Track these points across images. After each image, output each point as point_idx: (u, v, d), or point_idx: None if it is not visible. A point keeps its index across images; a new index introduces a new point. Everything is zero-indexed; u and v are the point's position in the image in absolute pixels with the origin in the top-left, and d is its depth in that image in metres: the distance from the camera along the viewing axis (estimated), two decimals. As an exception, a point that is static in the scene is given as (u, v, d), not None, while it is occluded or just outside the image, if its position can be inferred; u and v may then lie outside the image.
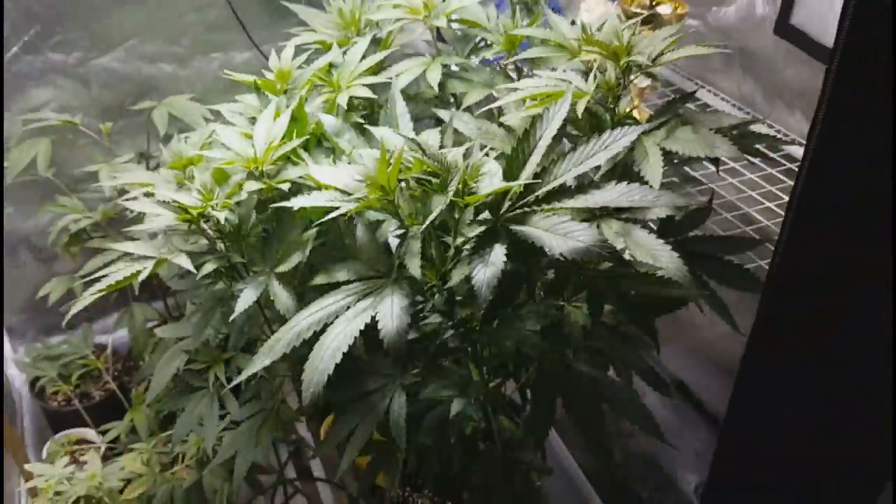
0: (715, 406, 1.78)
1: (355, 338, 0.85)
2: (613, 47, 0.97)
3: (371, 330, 0.91)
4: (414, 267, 0.88)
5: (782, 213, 1.28)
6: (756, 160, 1.36)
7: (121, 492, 1.13)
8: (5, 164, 1.41)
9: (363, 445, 0.95)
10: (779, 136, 1.41)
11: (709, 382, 1.78)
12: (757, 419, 1.03)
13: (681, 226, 1.09)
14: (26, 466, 1.15)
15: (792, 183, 1.22)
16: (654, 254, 0.91)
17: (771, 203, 1.29)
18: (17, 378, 1.70)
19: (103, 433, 1.38)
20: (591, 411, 0.95)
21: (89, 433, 1.57)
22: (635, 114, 1.42)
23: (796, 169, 1.31)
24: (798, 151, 1.35)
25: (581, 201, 0.87)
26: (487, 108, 1.07)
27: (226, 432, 1.09)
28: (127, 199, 1.03)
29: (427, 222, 0.85)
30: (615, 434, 1.77)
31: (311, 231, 0.96)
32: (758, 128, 1.06)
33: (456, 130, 1.08)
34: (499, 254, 0.84)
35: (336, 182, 0.89)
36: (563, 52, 1.09)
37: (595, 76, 0.99)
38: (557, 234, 0.82)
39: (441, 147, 1.03)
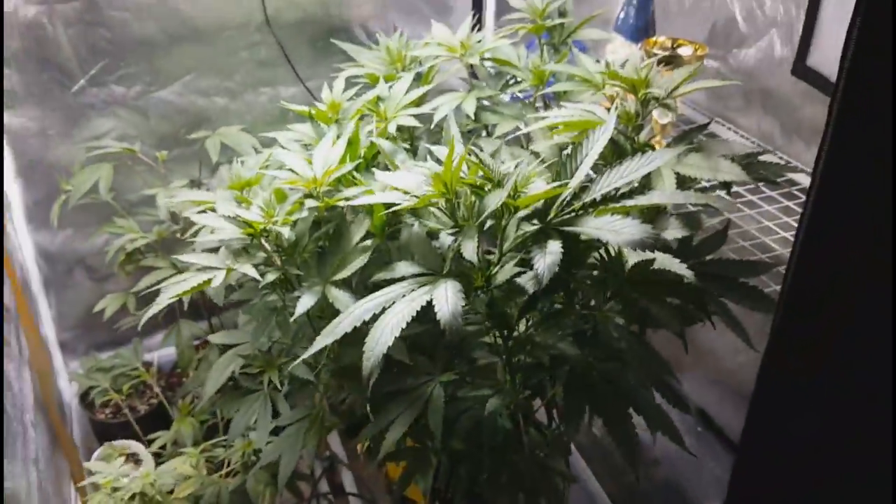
0: (736, 434, 1.82)
1: (402, 329, 0.90)
2: (633, 80, 1.06)
3: (416, 336, 0.98)
4: (470, 253, 0.93)
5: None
6: (773, 193, 1.44)
7: (170, 492, 1.20)
8: (69, 188, 1.52)
9: (402, 435, 1.01)
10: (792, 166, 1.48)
11: (730, 411, 1.82)
12: (773, 441, 1.08)
13: (698, 250, 1.16)
14: (86, 464, 1.23)
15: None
16: (671, 265, 0.98)
17: (786, 233, 1.36)
18: (66, 390, 1.79)
19: (151, 441, 1.46)
20: (619, 416, 1.02)
21: (133, 444, 1.65)
22: (656, 147, 1.51)
23: (812, 201, 1.38)
24: (813, 184, 1.42)
25: (629, 203, 0.93)
26: (516, 134, 1.16)
27: (271, 437, 1.16)
28: (193, 214, 1.12)
29: (483, 216, 0.92)
30: (639, 461, 1.81)
31: (366, 243, 1.05)
32: (770, 158, 1.14)
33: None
34: (555, 245, 0.90)
35: (399, 184, 0.97)
36: (588, 86, 1.18)
37: (617, 108, 1.08)
38: (609, 230, 0.89)
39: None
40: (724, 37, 1.71)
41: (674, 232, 1.00)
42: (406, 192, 0.93)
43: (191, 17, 1.59)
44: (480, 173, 0.94)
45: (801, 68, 1.51)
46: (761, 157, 1.10)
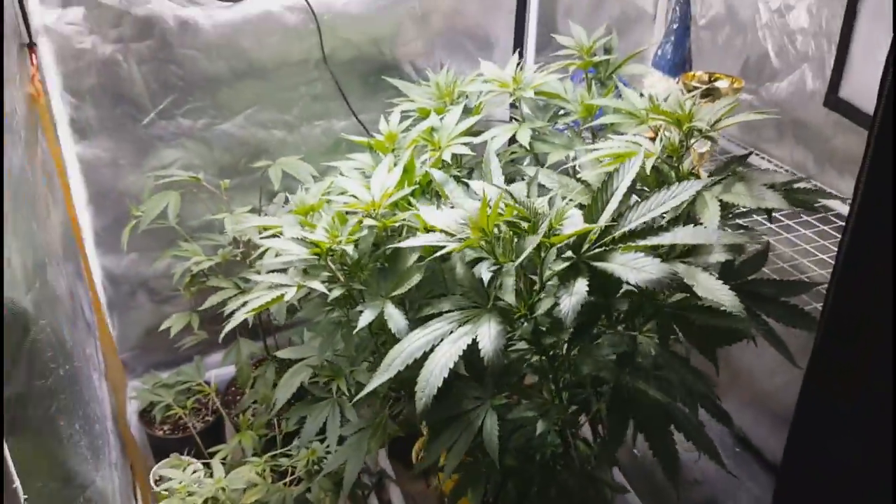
0: (774, 455, 1.85)
1: (455, 363, 0.99)
2: (677, 115, 1.14)
3: (467, 359, 1.05)
4: (509, 296, 1.04)
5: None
6: (810, 218, 1.50)
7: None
8: (139, 214, 1.62)
9: (460, 458, 1.08)
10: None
11: (767, 431, 1.85)
12: (814, 462, 1.10)
13: (740, 271, 1.22)
14: (158, 470, 1.30)
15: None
16: (714, 291, 1.04)
17: (823, 255, 1.42)
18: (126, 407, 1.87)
19: (212, 454, 1.53)
20: (659, 431, 1.07)
21: (189, 459, 1.73)
22: (700, 175, 1.58)
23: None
24: (847, 210, 1.48)
25: (653, 241, 1.01)
26: (565, 166, 1.24)
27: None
28: (261, 237, 1.22)
29: (521, 258, 1.01)
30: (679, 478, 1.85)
31: (420, 264, 1.13)
32: (806, 185, 1.20)
33: (540, 184, 1.25)
34: (581, 285, 0.98)
35: (441, 224, 1.05)
36: (633, 119, 1.26)
37: (661, 139, 1.16)
38: (632, 267, 0.96)
39: (527, 197, 1.20)
40: (757, 71, 1.78)
41: (717, 256, 1.07)
42: (448, 234, 1.01)
43: (255, 56, 1.71)
44: (517, 212, 1.01)
45: (833, 100, 1.58)
46: (798, 185, 1.17)
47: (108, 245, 1.76)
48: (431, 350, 1.02)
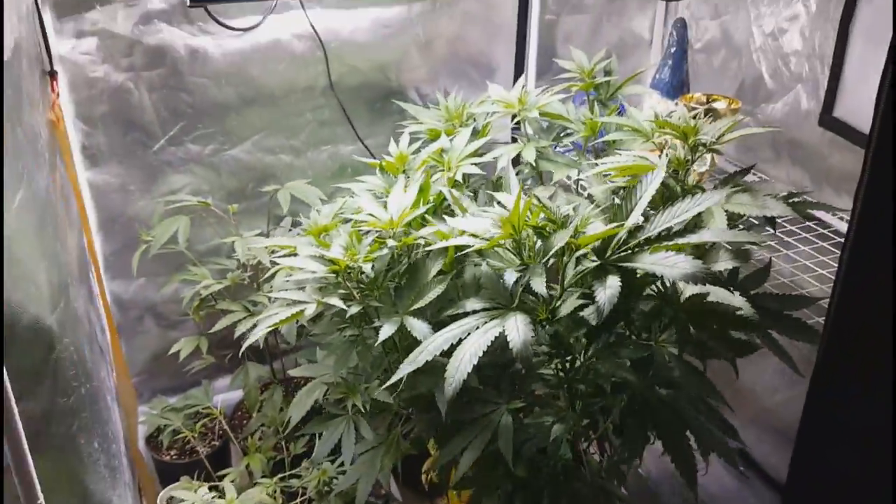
0: (777, 473, 1.86)
1: (474, 365, 1.00)
2: (683, 128, 1.18)
3: (483, 366, 1.06)
4: (539, 287, 1.02)
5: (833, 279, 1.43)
6: (809, 235, 1.54)
7: (249, 519, 1.28)
8: (149, 238, 1.65)
9: (475, 460, 1.09)
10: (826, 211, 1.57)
11: (769, 448, 1.87)
12: (818, 477, 1.11)
13: (743, 286, 1.25)
14: (170, 492, 1.31)
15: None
16: (727, 297, 1.07)
17: (823, 270, 1.45)
18: (133, 433, 1.88)
19: (220, 477, 1.54)
20: (677, 436, 1.09)
21: (195, 484, 1.73)
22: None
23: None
24: (845, 227, 1.52)
25: (681, 241, 1.03)
26: (567, 183, 1.27)
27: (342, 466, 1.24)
28: (277, 257, 1.24)
29: (549, 255, 1.02)
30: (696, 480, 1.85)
31: (441, 277, 1.15)
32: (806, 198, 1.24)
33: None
34: (614, 280, 1.00)
35: (469, 228, 1.08)
36: (638, 135, 1.29)
37: (667, 154, 1.19)
38: (664, 265, 0.98)
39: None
40: (753, 93, 1.83)
41: (724, 264, 1.10)
42: (475, 236, 1.03)
43: (263, 83, 1.74)
44: (543, 216, 1.04)
45: (827, 119, 1.62)
46: (798, 198, 1.20)
47: (117, 270, 1.77)
48: (458, 343, 1.01)
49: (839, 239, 1.51)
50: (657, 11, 2.10)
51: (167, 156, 1.73)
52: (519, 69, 2.00)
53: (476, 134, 1.45)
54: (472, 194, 1.30)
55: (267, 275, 1.36)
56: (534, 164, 1.33)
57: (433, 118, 1.52)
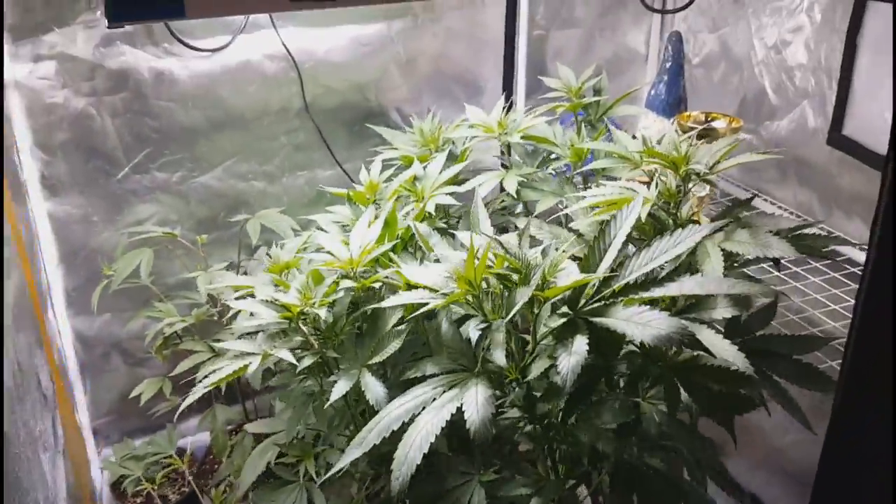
0: (790, 518, 1.73)
1: (436, 435, 0.89)
2: (673, 157, 1.06)
3: (452, 427, 0.95)
4: (499, 356, 0.94)
5: (848, 314, 1.31)
6: (819, 264, 1.41)
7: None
8: (111, 273, 1.54)
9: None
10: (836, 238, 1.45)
11: (781, 492, 1.74)
12: None
13: (747, 326, 1.13)
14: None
15: (855, 286, 1.25)
16: (721, 350, 0.95)
17: (836, 305, 1.33)
18: (98, 479, 1.76)
19: (185, 530, 1.42)
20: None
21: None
22: (701, 221, 1.50)
23: (859, 272, 1.35)
24: (858, 255, 1.39)
25: (658, 292, 0.92)
26: (556, 215, 1.16)
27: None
28: (234, 299, 1.13)
29: (511, 313, 0.92)
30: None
31: (401, 326, 1.04)
32: (814, 230, 1.12)
33: (531, 236, 1.17)
34: (581, 343, 0.89)
35: (425, 280, 0.97)
36: (627, 162, 1.18)
37: (657, 184, 1.08)
38: (637, 322, 0.87)
39: (519, 247, 1.12)
40: (756, 109, 1.72)
41: (722, 311, 0.97)
42: (432, 290, 0.92)
43: (233, 106, 1.64)
44: (507, 263, 0.93)
45: (836, 138, 1.50)
46: (806, 231, 1.08)
47: (80, 306, 1.67)
48: (412, 420, 0.93)
49: (853, 269, 1.39)
50: (652, 25, 1.99)
51: (132, 184, 1.63)
52: (508, 87, 1.90)
53: (454, 159, 1.34)
54: (446, 226, 1.19)
55: (228, 315, 1.25)
56: (514, 196, 1.22)
57: (408, 143, 1.41)
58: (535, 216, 1.24)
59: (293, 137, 1.72)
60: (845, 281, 1.38)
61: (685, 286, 0.91)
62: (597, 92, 1.37)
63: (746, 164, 1.71)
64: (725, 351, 0.96)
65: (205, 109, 1.63)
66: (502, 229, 1.32)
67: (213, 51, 1.59)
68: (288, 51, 1.63)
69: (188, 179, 1.67)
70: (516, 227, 1.24)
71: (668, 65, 1.62)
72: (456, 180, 1.30)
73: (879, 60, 1.39)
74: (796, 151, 1.62)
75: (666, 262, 0.92)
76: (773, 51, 1.63)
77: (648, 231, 1.13)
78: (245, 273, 1.65)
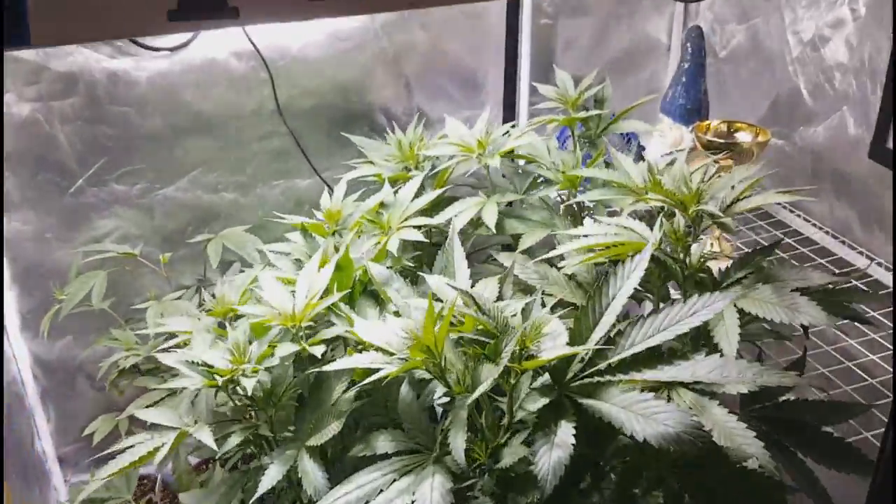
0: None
1: None
2: (681, 196, 0.88)
3: None
4: (458, 446, 0.78)
5: (889, 367, 1.12)
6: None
7: None
8: (63, 297, 1.40)
9: None
10: (877, 278, 1.25)
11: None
12: None
13: (767, 390, 0.95)
14: None
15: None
16: (733, 435, 0.78)
17: (876, 355, 1.13)
18: (61, 512, 1.65)
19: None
20: None
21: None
22: (715, 246, 1.31)
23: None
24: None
25: (667, 372, 0.75)
26: (548, 256, 0.97)
27: None
28: (162, 350, 0.98)
29: (476, 394, 0.76)
30: None
31: (349, 394, 0.88)
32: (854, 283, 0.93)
33: (516, 277, 1.00)
34: (566, 431, 0.73)
35: (379, 340, 0.81)
36: (627, 193, 0.99)
37: (661, 224, 0.89)
38: (638, 413, 0.71)
39: (500, 297, 0.95)
40: (789, 112, 1.51)
41: (737, 386, 0.80)
42: (387, 353, 0.75)
43: (198, 110, 1.48)
44: (479, 325, 0.76)
45: (880, 151, 1.30)
46: (840, 284, 0.89)
47: (38, 329, 1.53)
48: None
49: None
50: (675, 11, 1.78)
51: (88, 198, 1.48)
52: (510, 83, 1.71)
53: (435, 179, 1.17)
54: (412, 266, 1.02)
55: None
56: (493, 230, 1.04)
57: (386, 156, 1.24)
58: (522, 251, 1.06)
59: (266, 144, 1.56)
60: (886, 321, 1.18)
61: (700, 369, 0.73)
62: (598, 102, 1.17)
63: (778, 176, 1.52)
64: (738, 436, 0.79)
65: (166, 114, 1.47)
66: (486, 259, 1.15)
67: (173, 49, 1.43)
68: (256, 48, 1.46)
69: (151, 192, 1.52)
70: (499, 263, 1.07)
71: (686, 66, 1.42)
72: (436, 206, 1.13)
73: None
74: (834, 163, 1.42)
75: (660, 339, 0.74)
76: (809, 47, 1.42)
77: (655, 279, 0.95)
78: (213, 296, 1.50)
